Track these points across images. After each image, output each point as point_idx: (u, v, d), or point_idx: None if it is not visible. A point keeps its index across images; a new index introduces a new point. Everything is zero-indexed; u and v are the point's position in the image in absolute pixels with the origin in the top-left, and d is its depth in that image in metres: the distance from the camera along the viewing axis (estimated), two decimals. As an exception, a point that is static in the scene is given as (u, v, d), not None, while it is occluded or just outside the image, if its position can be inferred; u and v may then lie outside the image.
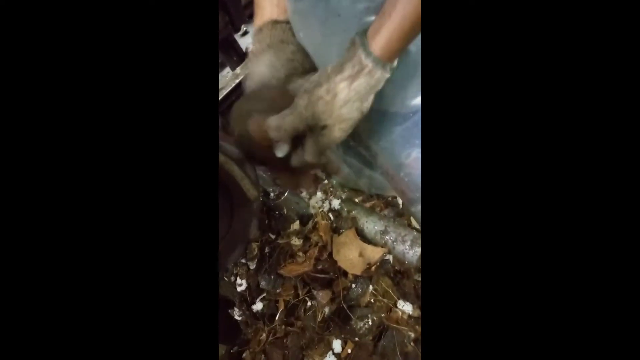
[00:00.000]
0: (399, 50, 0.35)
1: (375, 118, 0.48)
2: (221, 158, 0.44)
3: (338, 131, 0.38)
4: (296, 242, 0.53)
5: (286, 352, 0.53)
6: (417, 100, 0.45)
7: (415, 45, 0.39)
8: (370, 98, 0.36)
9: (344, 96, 0.35)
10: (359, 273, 0.51)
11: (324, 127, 0.38)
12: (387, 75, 0.35)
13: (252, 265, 0.59)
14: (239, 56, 0.93)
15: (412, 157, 0.48)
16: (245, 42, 1.03)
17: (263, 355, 0.61)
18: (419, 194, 0.51)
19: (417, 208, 0.53)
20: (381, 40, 0.34)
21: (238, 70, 0.80)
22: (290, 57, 0.49)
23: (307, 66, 0.50)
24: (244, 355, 0.64)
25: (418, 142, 0.46)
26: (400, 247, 0.50)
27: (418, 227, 0.61)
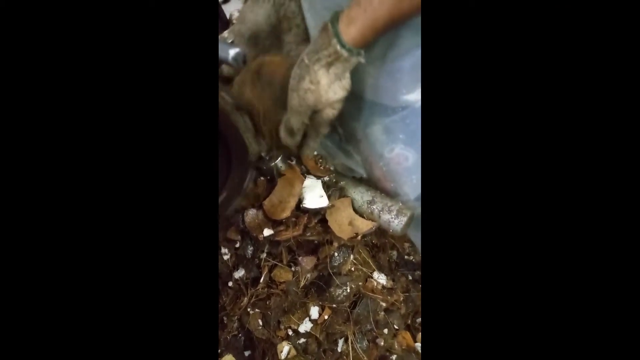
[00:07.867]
0: (373, 40, 0.37)
1: (366, 106, 0.50)
2: (227, 108, 0.43)
3: (330, 111, 0.41)
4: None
5: (269, 312, 0.53)
6: (409, 96, 0.47)
7: (415, 42, 0.40)
8: (347, 75, 0.39)
9: (326, 81, 0.38)
10: (345, 238, 0.53)
11: (316, 111, 0.41)
12: (362, 60, 0.38)
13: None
14: (222, 23, 0.90)
15: (394, 152, 0.50)
16: (228, 9, 0.99)
17: (237, 322, 0.60)
18: (394, 185, 0.53)
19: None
20: (355, 31, 0.35)
21: (225, 34, 0.77)
22: (289, 15, 0.50)
23: (302, 27, 0.51)
24: (214, 323, 0.63)
25: (402, 136, 0.49)
26: (385, 217, 0.52)
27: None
